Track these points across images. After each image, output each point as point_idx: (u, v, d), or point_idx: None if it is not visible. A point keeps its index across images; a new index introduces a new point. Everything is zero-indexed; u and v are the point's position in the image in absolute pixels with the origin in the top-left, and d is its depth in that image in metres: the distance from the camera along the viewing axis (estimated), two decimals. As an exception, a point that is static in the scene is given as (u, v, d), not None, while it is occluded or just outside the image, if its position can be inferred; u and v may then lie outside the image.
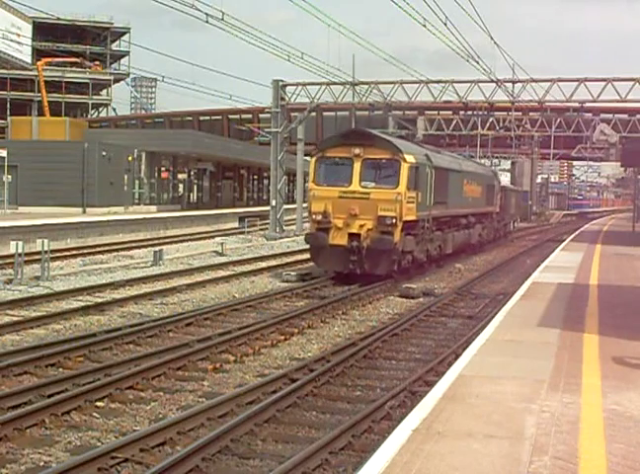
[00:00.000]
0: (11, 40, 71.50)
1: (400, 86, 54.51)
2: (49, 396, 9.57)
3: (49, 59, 73.22)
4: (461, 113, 58.77)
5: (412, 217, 21.74)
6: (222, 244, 31.09)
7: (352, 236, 20.94)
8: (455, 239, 27.99)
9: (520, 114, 57.37)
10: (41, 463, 7.73)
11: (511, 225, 49.62)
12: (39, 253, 21.29)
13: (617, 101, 51.15)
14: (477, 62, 35.67)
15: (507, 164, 75.39)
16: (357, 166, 21.24)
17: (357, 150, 21.14)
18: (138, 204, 48.61)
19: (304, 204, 37.76)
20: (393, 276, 21.75)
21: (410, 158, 21.56)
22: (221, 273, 23.74)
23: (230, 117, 73.90)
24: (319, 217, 21.26)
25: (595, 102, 52.64)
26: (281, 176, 41.48)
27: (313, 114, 56.56)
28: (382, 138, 22.07)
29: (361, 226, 20.91)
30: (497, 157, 70.71)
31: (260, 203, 65.56)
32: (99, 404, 9.65)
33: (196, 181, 61.14)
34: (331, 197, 21.27)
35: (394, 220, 20.74)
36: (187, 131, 61.48)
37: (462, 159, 34.25)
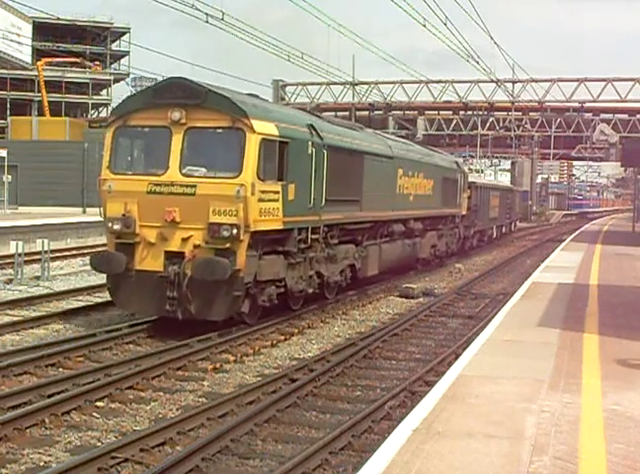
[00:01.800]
0: (11, 41, 71.49)
1: (400, 86, 54.53)
2: (49, 396, 9.56)
3: (49, 59, 73.21)
4: (461, 113, 58.81)
5: (271, 226, 13.70)
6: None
7: (170, 256, 13.27)
8: (385, 254, 20.23)
9: (521, 114, 57.41)
10: (42, 463, 7.73)
11: (496, 231, 42.68)
12: (38, 253, 21.28)
13: (617, 101, 51.19)
14: (477, 62, 35.78)
15: (507, 164, 75.43)
16: (176, 140, 13.37)
17: (176, 114, 13.28)
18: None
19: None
20: (246, 321, 14.06)
21: (264, 126, 13.43)
22: None
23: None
24: (117, 226, 13.47)
25: (595, 102, 52.68)
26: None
27: (313, 114, 56.61)
28: (218, 94, 13.41)
29: (185, 240, 13.17)
30: (497, 157, 70.80)
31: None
32: (99, 404, 9.64)
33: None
34: (136, 191, 13.44)
35: (235, 231, 12.88)
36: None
37: (398, 141, 24.23)
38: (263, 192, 13.30)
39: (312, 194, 15.03)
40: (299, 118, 15.57)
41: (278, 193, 13.83)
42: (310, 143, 14.97)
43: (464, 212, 29.95)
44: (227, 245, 12.95)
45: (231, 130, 13.16)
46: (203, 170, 13.36)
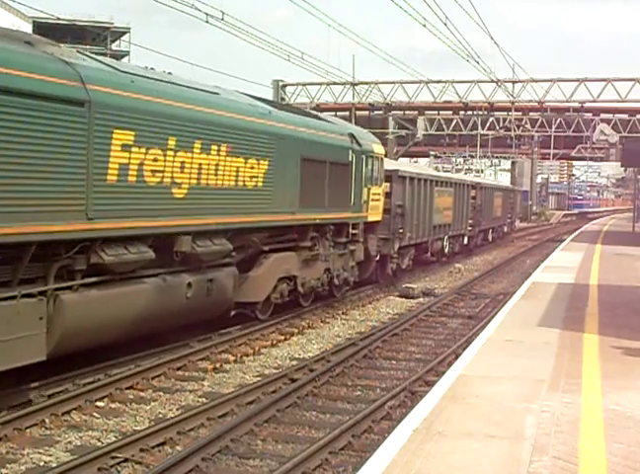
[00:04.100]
0: (11, 40, 71.46)
1: (400, 86, 54.57)
2: (49, 396, 9.56)
3: (49, 59, 73.18)
4: (461, 113, 58.84)
5: None
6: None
7: None
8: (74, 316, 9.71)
9: (520, 114, 57.44)
10: (42, 463, 7.73)
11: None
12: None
13: (617, 101, 51.23)
14: (477, 62, 35.71)
15: (507, 164, 75.41)
16: None
17: None
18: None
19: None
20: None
21: None
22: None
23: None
24: None
25: (595, 102, 52.71)
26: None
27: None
28: None
29: None
30: (497, 157, 70.79)
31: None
32: (99, 404, 9.65)
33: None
34: None
35: None
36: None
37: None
38: None
39: None
40: None
41: None
42: None
43: (377, 218, 19.22)
44: None
45: None
46: None
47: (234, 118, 12.76)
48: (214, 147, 12.07)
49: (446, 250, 28.22)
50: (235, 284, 13.37)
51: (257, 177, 13.45)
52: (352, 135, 17.69)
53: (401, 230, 21.78)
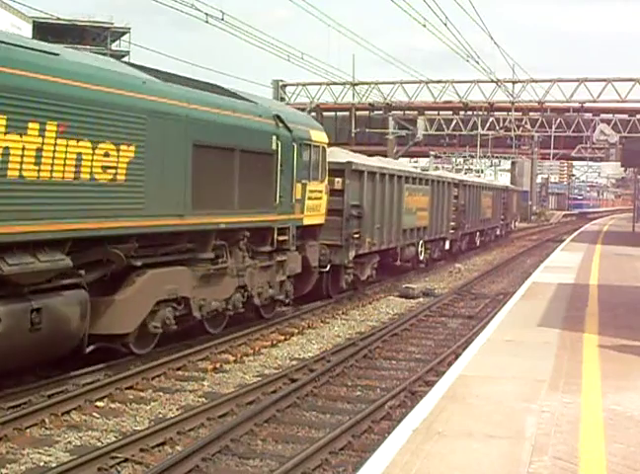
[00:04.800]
0: (11, 41, 71.43)
1: (400, 86, 54.57)
2: (49, 396, 9.56)
3: (49, 59, 73.19)
4: (461, 113, 58.86)
5: None
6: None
7: None
8: None
9: (520, 114, 57.45)
10: (42, 463, 7.73)
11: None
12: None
13: (617, 101, 51.23)
14: (477, 62, 35.73)
15: (507, 164, 75.45)
16: None
17: None
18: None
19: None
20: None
21: None
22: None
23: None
24: None
25: (595, 102, 52.72)
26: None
27: (313, 114, 56.65)
28: None
29: None
30: (497, 157, 70.81)
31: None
32: (99, 404, 9.64)
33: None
34: None
35: None
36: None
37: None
38: None
39: None
40: None
41: None
42: None
43: (318, 220, 16.14)
44: None
45: None
46: None
47: (78, 87, 9.61)
48: (34, 126, 8.92)
49: (422, 256, 24.69)
50: (85, 312, 9.99)
51: (116, 168, 10.21)
52: (277, 118, 14.08)
53: (357, 235, 18.29)
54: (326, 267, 17.03)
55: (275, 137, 13.91)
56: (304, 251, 15.63)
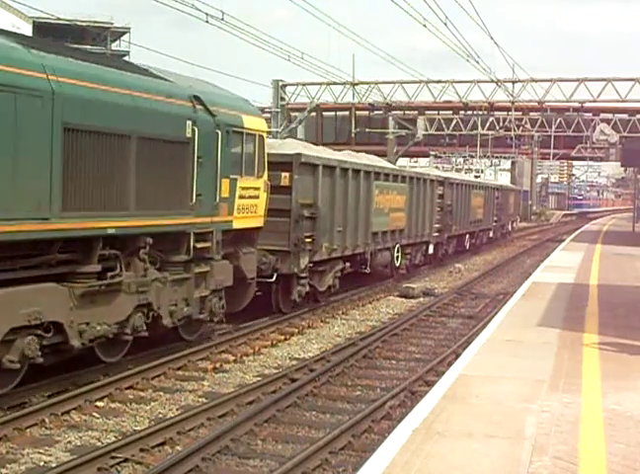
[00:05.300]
0: (11, 40, 71.41)
1: (400, 86, 54.55)
2: (49, 396, 9.56)
3: (49, 59, 73.14)
4: (461, 113, 58.80)
5: None
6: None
7: None
8: None
9: (520, 114, 57.41)
10: (42, 463, 7.73)
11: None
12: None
13: (617, 101, 51.20)
14: (477, 62, 35.71)
15: (507, 164, 75.43)
16: None
17: None
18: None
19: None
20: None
21: None
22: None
23: (230, 116, 73.96)
24: None
25: (595, 102, 52.68)
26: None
27: (313, 114, 56.64)
28: None
29: None
30: (497, 157, 70.79)
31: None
32: (99, 404, 9.64)
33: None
34: None
35: None
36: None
37: None
38: None
39: None
40: None
41: None
42: None
43: (254, 223, 13.72)
44: None
45: None
46: None
47: None
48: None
49: (399, 262, 22.09)
50: None
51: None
52: (196, 99, 11.80)
53: (310, 239, 15.85)
54: (272, 277, 14.90)
55: (190, 122, 11.49)
56: (237, 259, 13.19)
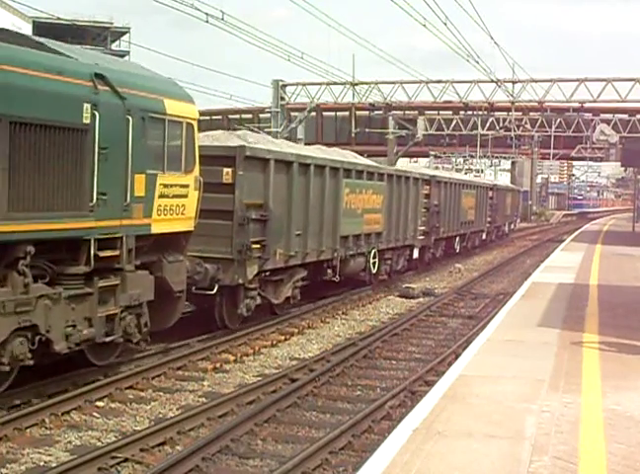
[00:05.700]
0: (11, 40, 71.38)
1: (400, 86, 54.54)
2: (49, 396, 9.56)
3: (49, 59, 73.09)
4: (461, 113, 58.80)
5: None
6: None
7: None
8: None
9: (521, 114, 57.41)
10: (42, 463, 7.73)
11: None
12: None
13: (617, 101, 51.19)
14: (477, 62, 35.70)
15: (507, 164, 75.45)
16: None
17: None
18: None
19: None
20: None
21: None
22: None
23: (230, 117, 73.98)
24: None
25: (595, 102, 52.68)
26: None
27: (313, 113, 56.61)
28: None
29: None
30: (497, 157, 70.79)
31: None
32: (99, 404, 9.64)
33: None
34: None
35: None
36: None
37: None
38: None
39: None
40: None
41: None
42: None
43: (181, 227, 11.51)
44: None
45: None
46: None
47: None
48: None
49: (376, 269, 19.80)
50: None
51: None
52: (99, 78, 9.68)
53: (259, 245, 13.86)
54: (212, 289, 12.96)
55: (88, 105, 9.39)
56: (160, 270, 11.13)
